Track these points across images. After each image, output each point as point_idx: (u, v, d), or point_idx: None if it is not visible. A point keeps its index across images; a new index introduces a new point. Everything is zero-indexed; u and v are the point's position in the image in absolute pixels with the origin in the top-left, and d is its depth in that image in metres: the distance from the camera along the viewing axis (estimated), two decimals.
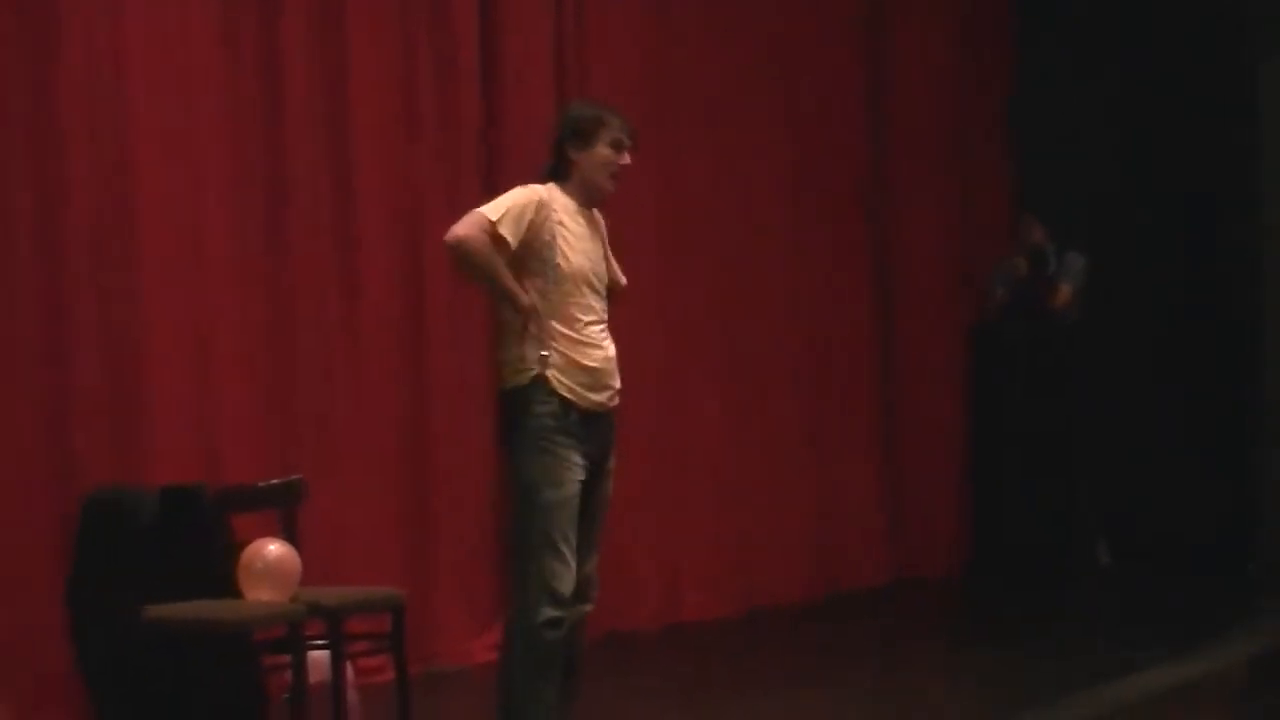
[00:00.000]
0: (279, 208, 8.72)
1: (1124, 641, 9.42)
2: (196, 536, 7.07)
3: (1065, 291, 11.68)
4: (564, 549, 6.53)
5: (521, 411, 6.60)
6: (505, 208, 6.62)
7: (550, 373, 6.60)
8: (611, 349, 6.76)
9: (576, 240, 6.71)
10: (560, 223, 6.67)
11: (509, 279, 6.60)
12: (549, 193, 6.72)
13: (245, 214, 8.60)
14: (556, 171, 6.79)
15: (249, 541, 7.09)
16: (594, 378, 6.66)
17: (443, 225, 6.72)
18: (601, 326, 6.76)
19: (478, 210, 6.65)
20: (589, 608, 6.77)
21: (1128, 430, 12.09)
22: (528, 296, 6.60)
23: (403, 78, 9.18)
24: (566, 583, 6.54)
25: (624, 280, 6.98)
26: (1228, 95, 11.97)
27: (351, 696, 7.21)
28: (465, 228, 6.60)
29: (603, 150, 6.76)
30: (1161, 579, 11.43)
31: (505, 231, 6.58)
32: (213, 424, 8.37)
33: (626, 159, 6.80)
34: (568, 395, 6.59)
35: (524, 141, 9.47)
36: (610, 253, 6.92)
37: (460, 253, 6.62)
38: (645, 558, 10.25)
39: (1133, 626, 10.09)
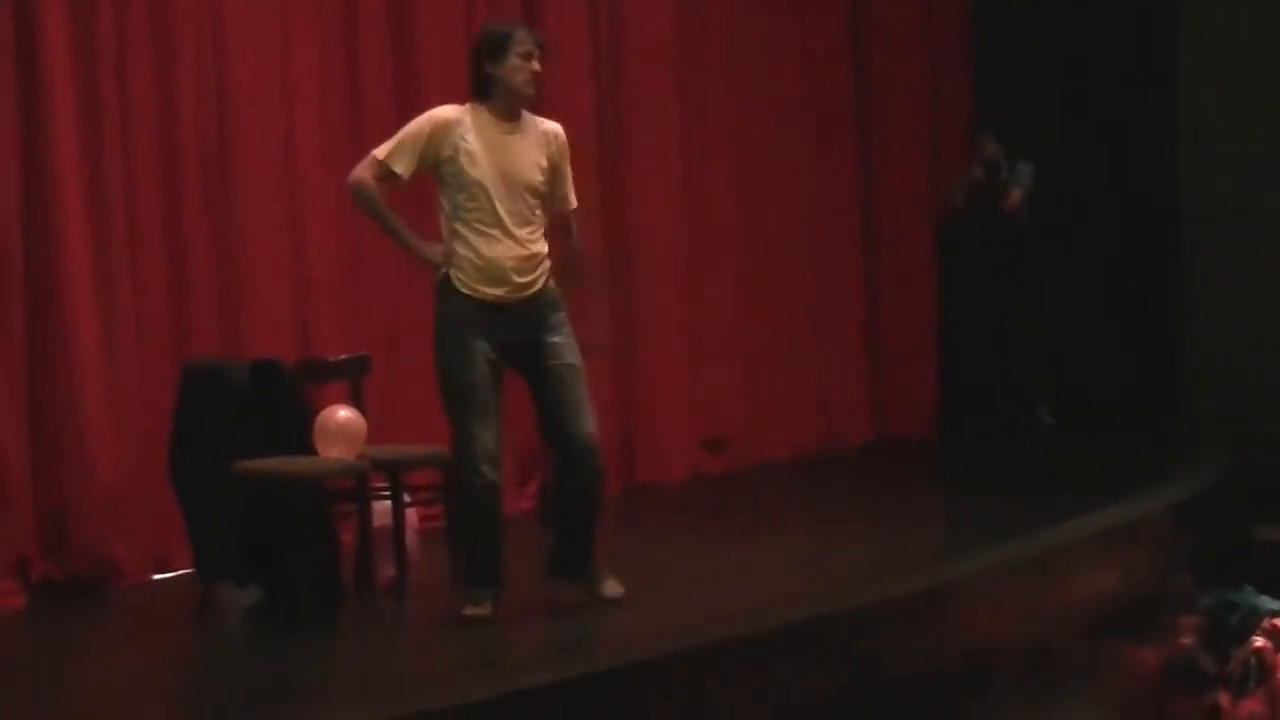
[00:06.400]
0: (357, 124, 8.41)
1: (1070, 489, 9.05)
2: (279, 403, 6.79)
3: (1015, 195, 11.31)
4: (481, 420, 6.15)
5: (435, 307, 6.27)
6: (398, 140, 6.25)
7: (452, 272, 6.21)
8: (530, 249, 6.24)
9: (488, 151, 6.20)
10: (463, 138, 6.18)
11: (403, 232, 6.26)
12: (463, 112, 6.25)
13: (329, 129, 8.32)
14: (479, 89, 6.30)
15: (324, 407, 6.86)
16: (491, 274, 6.19)
17: None
18: (527, 229, 6.23)
19: (374, 150, 6.27)
20: (593, 475, 6.31)
21: (1071, 312, 11.68)
22: (429, 248, 6.22)
23: (461, 11, 8.90)
24: (488, 449, 6.15)
25: (574, 202, 6.42)
26: (1155, 23, 11.64)
27: (410, 539, 6.98)
28: (356, 171, 6.27)
29: (515, 61, 6.24)
30: (1102, 437, 11.06)
31: (396, 166, 6.21)
32: (302, 307, 8.17)
33: (537, 66, 6.29)
34: (468, 292, 6.18)
35: (558, 66, 8.96)
36: (566, 173, 6.39)
37: (353, 197, 6.30)
38: (668, 423, 9.93)
39: (1076, 478, 9.72)
